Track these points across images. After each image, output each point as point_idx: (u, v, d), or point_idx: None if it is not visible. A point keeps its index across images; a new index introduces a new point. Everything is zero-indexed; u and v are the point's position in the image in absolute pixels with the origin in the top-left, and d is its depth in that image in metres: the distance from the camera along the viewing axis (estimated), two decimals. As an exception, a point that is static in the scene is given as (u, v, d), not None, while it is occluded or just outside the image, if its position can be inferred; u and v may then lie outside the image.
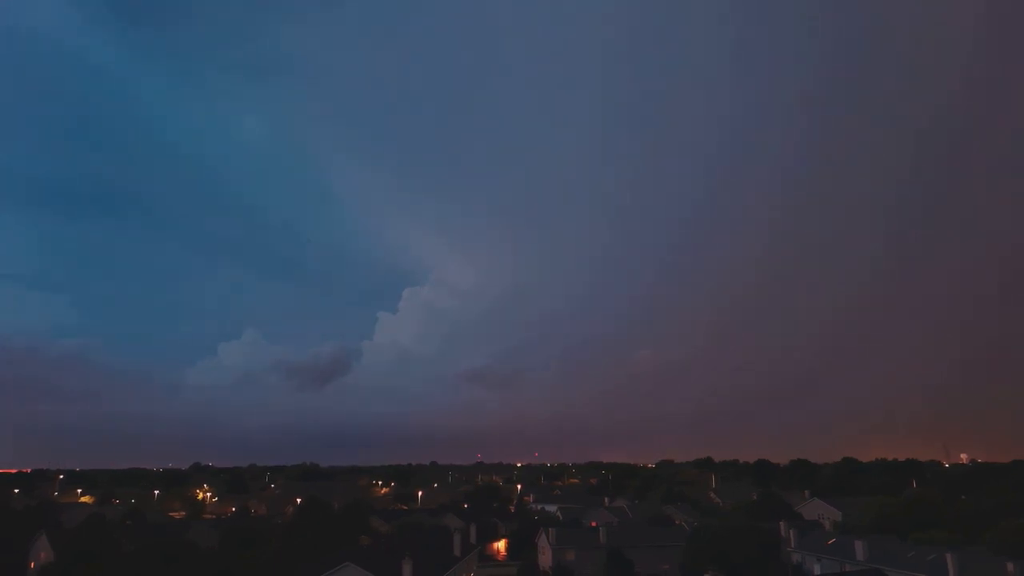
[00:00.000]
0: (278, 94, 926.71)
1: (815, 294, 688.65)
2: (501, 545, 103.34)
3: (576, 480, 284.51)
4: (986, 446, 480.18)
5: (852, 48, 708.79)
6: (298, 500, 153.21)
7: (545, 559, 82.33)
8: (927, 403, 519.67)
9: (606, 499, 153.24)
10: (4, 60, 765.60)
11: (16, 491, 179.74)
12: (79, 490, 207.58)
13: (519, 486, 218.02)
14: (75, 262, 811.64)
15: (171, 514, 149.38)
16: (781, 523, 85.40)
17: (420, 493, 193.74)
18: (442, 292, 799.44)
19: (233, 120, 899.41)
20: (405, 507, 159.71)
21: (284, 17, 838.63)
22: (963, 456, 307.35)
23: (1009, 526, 70.30)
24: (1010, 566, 54.10)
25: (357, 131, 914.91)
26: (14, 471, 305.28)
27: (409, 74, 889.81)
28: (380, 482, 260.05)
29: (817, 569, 72.19)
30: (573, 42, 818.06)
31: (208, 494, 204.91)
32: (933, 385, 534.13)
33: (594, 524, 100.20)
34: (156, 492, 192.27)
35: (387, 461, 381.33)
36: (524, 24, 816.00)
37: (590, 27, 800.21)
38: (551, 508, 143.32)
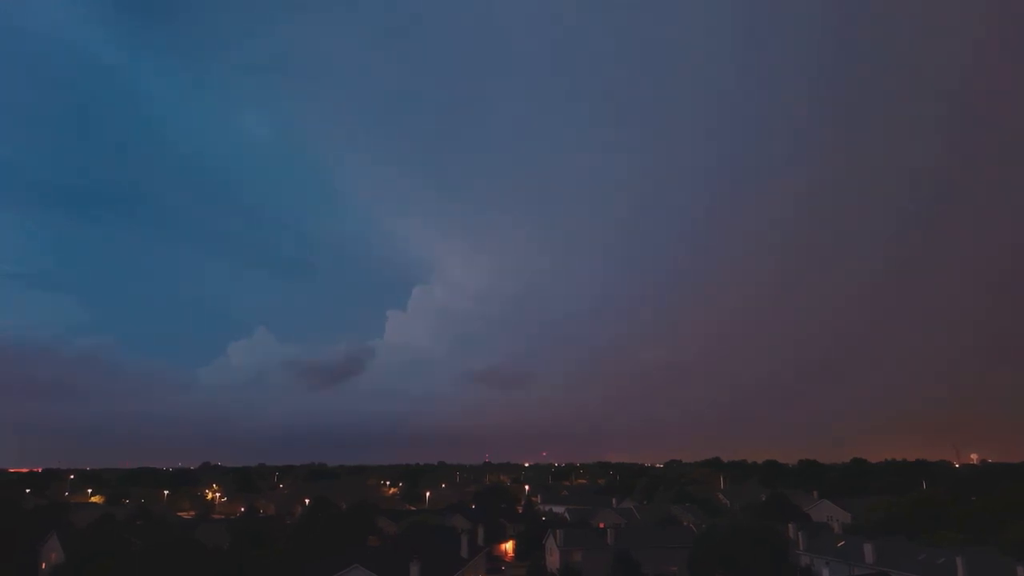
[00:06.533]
0: (286, 92, 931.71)
1: (824, 294, 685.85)
2: (509, 546, 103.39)
3: (584, 480, 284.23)
4: (997, 446, 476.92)
5: (856, 49, 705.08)
6: (306, 500, 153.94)
7: (553, 560, 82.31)
8: (937, 403, 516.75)
9: (614, 500, 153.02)
10: (10, 60, 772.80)
11: (27, 491, 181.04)
12: (89, 490, 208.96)
13: (527, 487, 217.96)
14: (87, 262, 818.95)
15: (180, 514, 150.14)
16: (790, 525, 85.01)
17: (428, 493, 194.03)
18: (451, 291, 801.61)
19: (241, 119, 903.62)
20: (413, 507, 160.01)
21: (289, 15, 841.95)
22: (973, 456, 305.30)
23: (1020, 527, 69.73)
24: (1020, 569, 53.61)
25: (364, 128, 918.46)
26: (25, 470, 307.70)
27: (418, 71, 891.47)
28: (388, 482, 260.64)
29: (826, 572, 71.89)
30: (582, 40, 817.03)
31: (217, 494, 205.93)
32: (943, 385, 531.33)
33: (602, 525, 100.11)
34: (166, 492, 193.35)
35: (395, 461, 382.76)
36: (534, 20, 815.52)
37: (601, 24, 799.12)
38: (559, 509, 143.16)
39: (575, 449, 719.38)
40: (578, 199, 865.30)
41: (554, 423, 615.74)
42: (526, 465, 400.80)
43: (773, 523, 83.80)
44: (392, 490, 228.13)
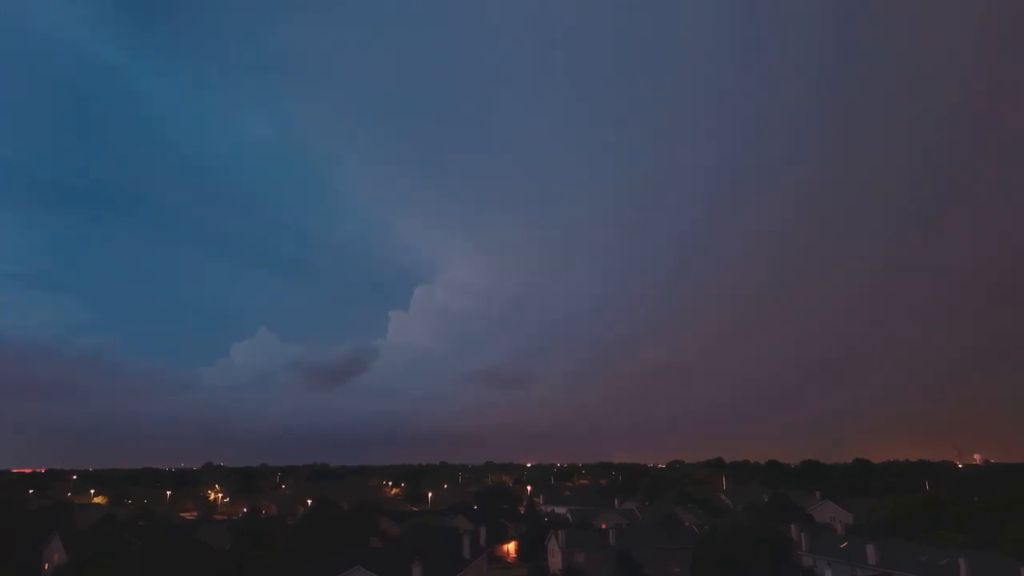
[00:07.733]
0: (286, 92, 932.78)
1: (824, 294, 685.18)
2: (511, 547, 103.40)
3: (586, 480, 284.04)
4: (997, 446, 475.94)
5: (856, 49, 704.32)
6: (308, 501, 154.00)
7: (555, 561, 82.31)
8: (937, 403, 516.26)
9: (616, 500, 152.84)
10: (13, 61, 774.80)
11: (31, 491, 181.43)
12: (92, 490, 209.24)
13: (529, 487, 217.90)
14: (87, 262, 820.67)
15: (183, 514, 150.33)
16: (792, 525, 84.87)
17: (430, 494, 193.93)
18: (452, 291, 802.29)
19: (241, 119, 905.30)
20: (415, 508, 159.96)
21: (289, 15, 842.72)
22: (976, 456, 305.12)
23: (1021, 527, 69.52)
24: (1023, 570, 53.49)
25: (364, 128, 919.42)
26: (29, 471, 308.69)
27: (417, 71, 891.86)
28: (390, 482, 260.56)
29: (828, 573, 71.81)
30: (582, 40, 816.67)
31: (220, 495, 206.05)
32: (943, 385, 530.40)
33: (604, 526, 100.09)
34: (168, 492, 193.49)
35: (396, 461, 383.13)
36: (534, 20, 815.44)
37: (601, 24, 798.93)
38: (561, 509, 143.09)
39: (576, 449, 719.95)
40: (578, 199, 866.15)
41: (554, 423, 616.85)
42: (528, 465, 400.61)
43: (775, 524, 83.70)
44: (394, 491, 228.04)
